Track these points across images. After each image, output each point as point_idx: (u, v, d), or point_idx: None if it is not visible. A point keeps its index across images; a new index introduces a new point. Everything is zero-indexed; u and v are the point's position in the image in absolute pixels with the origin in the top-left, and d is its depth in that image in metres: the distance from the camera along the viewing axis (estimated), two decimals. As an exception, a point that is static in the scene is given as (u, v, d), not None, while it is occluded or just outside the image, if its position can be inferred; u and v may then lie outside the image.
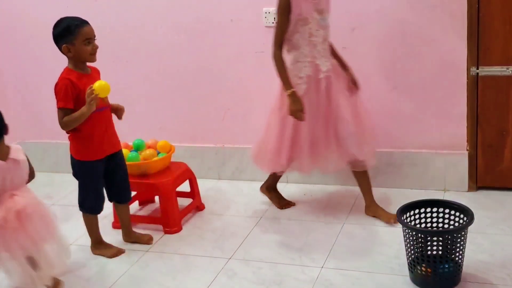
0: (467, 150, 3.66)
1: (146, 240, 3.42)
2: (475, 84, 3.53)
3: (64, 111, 3.03)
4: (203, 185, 3.96)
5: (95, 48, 3.06)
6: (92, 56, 3.07)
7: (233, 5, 3.83)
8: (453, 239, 2.74)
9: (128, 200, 3.40)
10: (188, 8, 3.92)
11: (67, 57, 3.07)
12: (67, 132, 3.16)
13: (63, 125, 3.05)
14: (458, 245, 2.75)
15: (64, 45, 3.02)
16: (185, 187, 3.73)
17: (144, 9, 4.02)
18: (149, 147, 3.67)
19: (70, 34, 3.00)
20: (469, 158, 3.65)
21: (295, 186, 3.98)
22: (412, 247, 2.81)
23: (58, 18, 3.11)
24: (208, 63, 3.97)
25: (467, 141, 3.64)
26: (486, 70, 3.50)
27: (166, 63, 4.08)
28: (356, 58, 3.69)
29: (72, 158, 3.20)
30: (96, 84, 2.99)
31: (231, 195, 3.97)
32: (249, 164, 4.08)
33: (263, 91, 3.92)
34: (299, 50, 3.24)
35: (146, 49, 4.08)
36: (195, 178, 3.76)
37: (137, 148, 3.63)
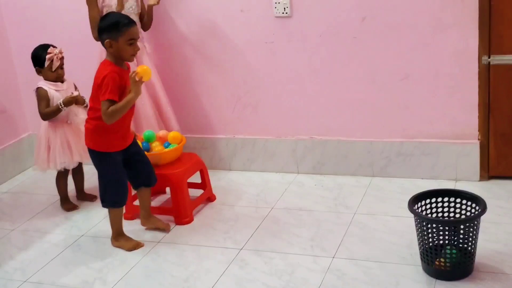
0: (478, 139, 3.63)
1: (164, 226, 3.43)
2: (487, 73, 3.50)
3: (110, 103, 3.02)
4: (214, 176, 3.97)
5: (137, 49, 3.10)
6: (132, 57, 3.11)
7: (243, -5, 3.81)
8: (465, 228, 2.74)
9: (155, 181, 3.43)
10: (198, -1, 3.91)
11: (108, 51, 3.09)
12: (88, 121, 3.18)
13: (109, 116, 3.02)
14: (471, 234, 2.75)
15: (108, 40, 3.04)
16: (196, 178, 3.74)
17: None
18: (160, 138, 3.67)
19: (117, 31, 3.02)
20: (480, 147, 3.63)
21: (306, 176, 3.98)
22: (424, 237, 2.80)
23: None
24: (218, 53, 3.96)
25: (478, 130, 3.62)
26: (498, 59, 3.47)
27: (177, 54, 4.07)
28: (367, 48, 3.68)
29: (90, 150, 3.22)
30: (139, 69, 3.03)
31: (242, 185, 3.96)
32: (260, 154, 4.09)
33: (274, 81, 3.92)
34: None
35: (158, 40, 4.07)
36: (206, 169, 3.76)
37: (148, 139, 3.63)
